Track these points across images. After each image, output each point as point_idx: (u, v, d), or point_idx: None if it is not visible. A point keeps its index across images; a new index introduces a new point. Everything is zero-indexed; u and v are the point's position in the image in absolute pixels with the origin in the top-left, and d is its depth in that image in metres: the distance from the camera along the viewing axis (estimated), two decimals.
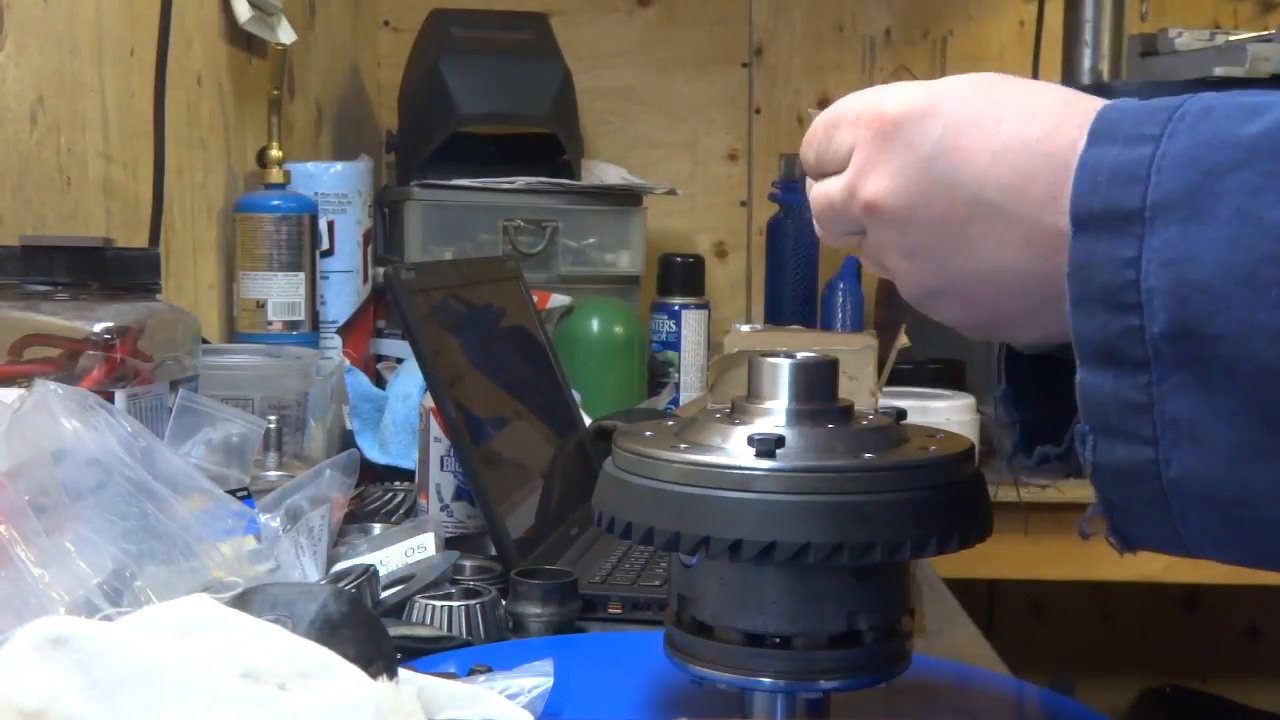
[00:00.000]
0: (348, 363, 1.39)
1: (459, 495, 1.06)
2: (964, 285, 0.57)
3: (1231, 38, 1.79)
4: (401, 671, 0.59)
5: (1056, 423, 0.61)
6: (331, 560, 0.92)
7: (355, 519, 1.08)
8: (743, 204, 2.36)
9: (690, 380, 1.75)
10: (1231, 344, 0.46)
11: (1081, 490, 0.51)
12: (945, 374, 2.00)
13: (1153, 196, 0.48)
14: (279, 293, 1.41)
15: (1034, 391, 0.65)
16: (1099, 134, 0.50)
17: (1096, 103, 0.53)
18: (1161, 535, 0.51)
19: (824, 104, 0.64)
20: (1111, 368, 0.49)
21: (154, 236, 1.24)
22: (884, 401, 1.40)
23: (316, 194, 1.49)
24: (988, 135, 0.54)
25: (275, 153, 1.48)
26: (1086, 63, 1.99)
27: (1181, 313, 0.47)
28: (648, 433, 0.64)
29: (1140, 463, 0.49)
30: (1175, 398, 0.48)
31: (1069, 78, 2.02)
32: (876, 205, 0.57)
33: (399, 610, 0.85)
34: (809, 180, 0.63)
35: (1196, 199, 0.47)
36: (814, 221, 0.63)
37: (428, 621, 0.83)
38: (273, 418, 1.05)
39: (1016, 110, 0.54)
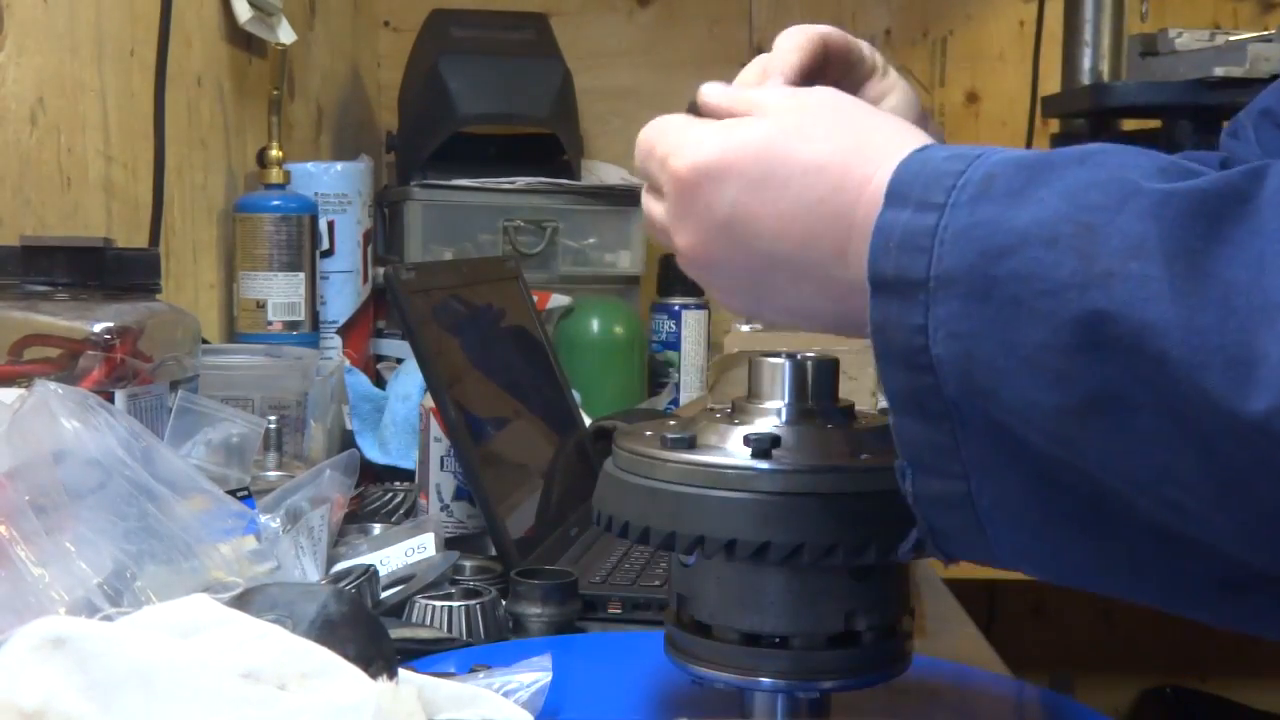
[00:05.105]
0: (348, 363, 1.39)
1: (459, 495, 1.06)
2: (776, 316, 0.61)
3: (1231, 38, 1.78)
4: (401, 671, 0.59)
5: None
6: (331, 560, 0.92)
7: (355, 519, 1.09)
8: None
9: (690, 380, 1.75)
10: (1015, 415, 0.48)
11: None
12: None
13: (935, 269, 0.49)
14: (279, 293, 1.41)
15: None
16: (895, 195, 0.51)
17: (891, 142, 0.54)
18: (979, 553, 0.53)
19: (692, 108, 0.65)
20: (919, 415, 0.51)
21: (154, 236, 1.25)
22: (884, 402, 1.40)
23: (316, 194, 1.49)
24: (775, 198, 0.56)
25: (275, 153, 1.47)
26: (1086, 63, 1.99)
27: (969, 381, 0.48)
28: (648, 432, 0.64)
29: (955, 495, 0.51)
30: (974, 444, 0.50)
31: (1069, 78, 2.02)
32: (686, 256, 0.60)
33: (399, 610, 0.85)
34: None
35: (975, 277, 0.48)
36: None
37: (428, 622, 0.83)
38: (273, 418, 1.05)
39: (802, 167, 0.55)
